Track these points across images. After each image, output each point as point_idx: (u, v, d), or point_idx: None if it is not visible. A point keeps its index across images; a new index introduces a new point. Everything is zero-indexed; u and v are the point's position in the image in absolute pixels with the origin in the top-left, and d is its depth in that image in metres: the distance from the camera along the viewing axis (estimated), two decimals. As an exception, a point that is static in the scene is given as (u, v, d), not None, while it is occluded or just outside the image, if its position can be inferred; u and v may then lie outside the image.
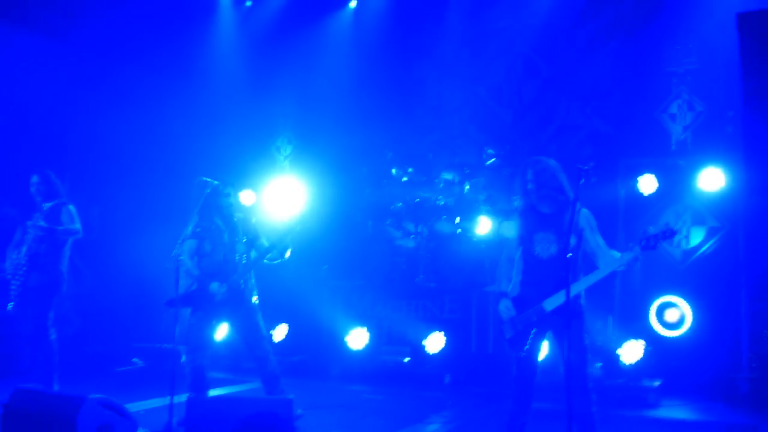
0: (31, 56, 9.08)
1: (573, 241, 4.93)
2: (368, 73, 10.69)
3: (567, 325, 4.73)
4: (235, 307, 6.09)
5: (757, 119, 7.44)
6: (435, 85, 10.78)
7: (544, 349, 6.65)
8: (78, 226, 6.90)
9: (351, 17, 11.13)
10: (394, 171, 9.78)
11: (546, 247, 5.04)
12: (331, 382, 8.25)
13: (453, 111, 10.72)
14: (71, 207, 6.94)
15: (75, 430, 4.81)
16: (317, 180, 9.92)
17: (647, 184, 8.44)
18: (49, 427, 4.79)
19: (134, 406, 6.37)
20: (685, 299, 8.16)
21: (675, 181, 8.56)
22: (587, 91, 9.71)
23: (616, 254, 5.00)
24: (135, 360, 9.01)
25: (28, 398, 5.12)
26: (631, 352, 7.51)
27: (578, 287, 4.95)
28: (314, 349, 8.82)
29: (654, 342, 7.82)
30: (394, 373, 8.38)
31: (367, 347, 8.57)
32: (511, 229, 5.29)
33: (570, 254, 4.75)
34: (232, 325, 6.21)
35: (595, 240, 5.07)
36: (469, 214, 9.16)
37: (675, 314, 8.14)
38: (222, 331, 8.15)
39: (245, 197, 10.12)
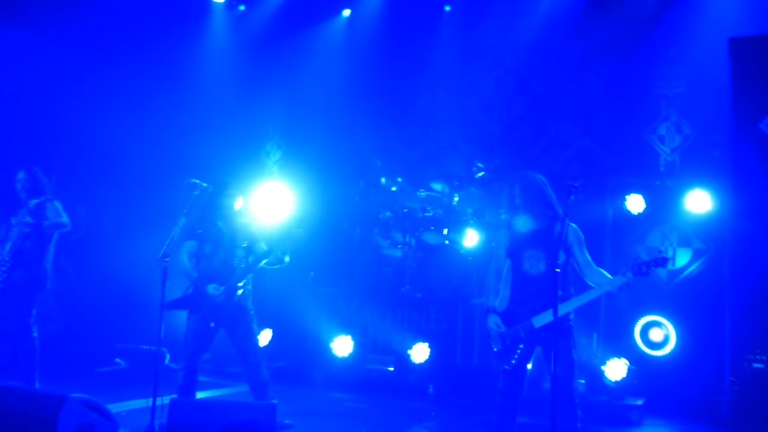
0: (21, 53, 9.02)
1: (562, 257, 4.97)
2: (360, 81, 10.71)
3: (555, 341, 4.75)
4: (231, 311, 6.04)
5: (747, 143, 7.52)
6: (426, 96, 10.81)
7: (528, 364, 6.68)
8: (65, 219, 6.84)
9: (344, 26, 11.15)
10: (383, 180, 9.77)
11: (535, 263, 5.06)
12: (314, 389, 8.21)
13: (443, 122, 10.76)
14: (57, 203, 6.88)
15: (55, 429, 4.75)
16: (306, 186, 9.89)
17: (635, 203, 8.50)
18: (29, 425, 4.72)
19: (115, 407, 6.29)
20: (669, 319, 8.21)
21: (662, 202, 8.62)
22: (576, 109, 9.79)
23: (605, 272, 5.03)
24: (117, 360, 8.92)
25: (8, 396, 5.04)
26: (616, 369, 7.53)
27: (568, 307, 4.98)
28: (298, 355, 8.77)
29: (638, 361, 7.86)
30: (378, 381, 8.36)
31: (352, 355, 8.54)
32: (499, 244, 5.29)
33: (558, 270, 4.77)
34: (227, 329, 6.14)
35: (583, 256, 5.10)
36: (457, 226, 9.17)
37: (659, 334, 8.18)
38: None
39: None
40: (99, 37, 9.73)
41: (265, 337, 8.91)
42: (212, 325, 6.02)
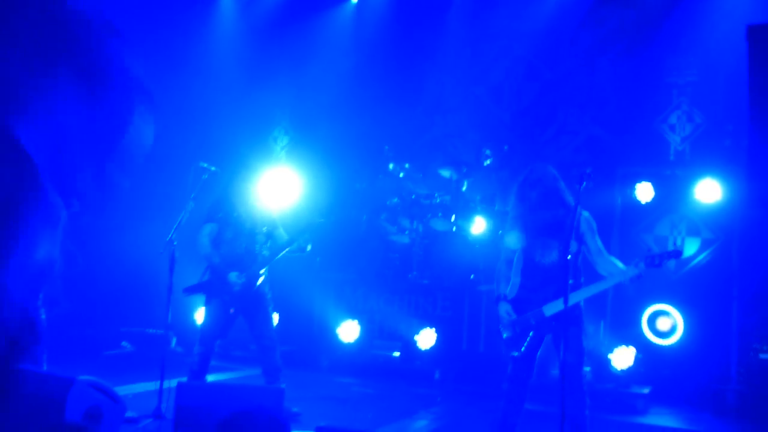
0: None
1: (574, 246, 4.94)
2: (368, 67, 10.66)
3: (565, 330, 4.73)
4: (251, 297, 6.01)
5: (762, 132, 7.45)
6: (435, 83, 10.75)
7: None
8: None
9: (353, 11, 11.09)
10: (391, 166, 9.74)
11: (547, 253, 5.04)
12: (320, 374, 8.23)
13: (452, 109, 10.69)
14: None
15: (63, 411, 4.77)
16: (313, 171, 9.87)
17: (644, 192, 8.46)
18: (37, 406, 4.73)
19: (122, 390, 6.31)
20: (677, 308, 8.18)
21: (672, 191, 8.58)
22: (586, 97, 9.72)
23: (617, 262, 5.00)
24: (124, 344, 8.95)
25: (17, 377, 5.06)
26: (622, 358, 7.53)
27: (579, 296, 4.95)
28: (305, 340, 8.80)
29: (645, 349, 7.85)
30: (384, 367, 8.37)
31: (358, 340, 8.55)
32: (511, 235, 5.27)
33: (570, 257, 4.75)
34: (245, 315, 6.09)
35: (595, 244, 5.07)
36: (465, 213, 9.15)
37: (667, 323, 8.16)
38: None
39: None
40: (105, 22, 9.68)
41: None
42: (232, 311, 5.99)
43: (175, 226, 5.90)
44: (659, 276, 8.46)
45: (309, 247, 6.11)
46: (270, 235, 6.18)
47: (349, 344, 8.54)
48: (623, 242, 8.53)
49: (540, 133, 10.04)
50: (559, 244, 4.97)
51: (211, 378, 7.07)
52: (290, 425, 4.84)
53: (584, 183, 4.77)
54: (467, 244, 9.04)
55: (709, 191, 8.29)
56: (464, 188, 9.45)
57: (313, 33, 10.96)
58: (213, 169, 6.30)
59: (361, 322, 8.64)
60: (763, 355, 7.34)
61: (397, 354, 8.43)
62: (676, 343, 8.11)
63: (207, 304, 6.03)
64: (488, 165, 9.59)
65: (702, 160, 8.74)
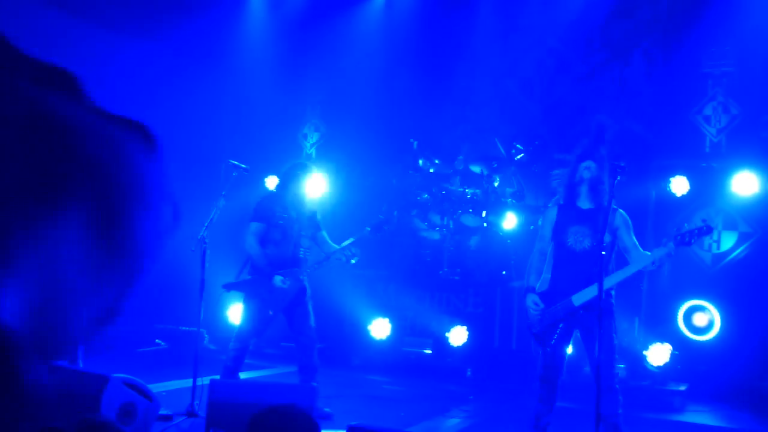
0: (53, 35, 9.07)
1: (608, 238, 4.91)
2: (398, 62, 10.61)
3: (597, 321, 4.67)
4: (292, 299, 6.00)
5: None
6: (465, 77, 10.66)
7: (569, 348, 6.60)
8: None
9: (382, 6, 11.04)
10: (421, 162, 9.70)
11: (580, 239, 5.03)
12: (352, 372, 8.23)
13: (482, 104, 10.60)
14: None
15: (99, 408, 4.82)
16: (343, 168, 9.87)
17: (679, 185, 8.32)
18: (73, 403, 4.79)
19: (156, 387, 6.35)
20: (714, 304, 8.04)
21: (707, 184, 8.43)
22: (619, 89, 9.57)
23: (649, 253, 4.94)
24: (158, 341, 9.02)
25: (53, 374, 5.13)
26: (658, 354, 7.41)
27: (609, 282, 4.89)
28: (336, 337, 8.79)
29: (681, 346, 7.72)
30: (415, 364, 8.35)
31: (390, 338, 8.53)
32: (546, 222, 5.24)
33: (604, 252, 4.70)
34: (284, 311, 6.10)
35: (630, 240, 5.04)
36: (496, 208, 9.08)
37: (703, 318, 8.03)
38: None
39: (271, 183, 10.12)
40: (137, 21, 9.76)
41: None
42: (271, 313, 6.00)
43: (206, 224, 5.92)
44: (695, 271, 8.34)
45: (354, 260, 6.12)
46: (314, 239, 6.17)
47: (380, 341, 8.52)
48: (658, 237, 8.37)
49: (571, 127, 9.92)
50: (592, 232, 4.95)
51: (243, 376, 7.11)
52: (321, 423, 4.84)
53: (618, 177, 4.77)
54: (499, 239, 8.97)
55: (746, 184, 8.13)
56: (496, 183, 9.38)
57: (342, 28, 10.93)
58: (243, 166, 6.32)
59: (392, 320, 8.61)
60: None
61: (428, 351, 8.39)
62: (713, 339, 7.98)
63: (246, 302, 6.04)
64: (520, 159, 9.50)
65: (738, 152, 8.57)
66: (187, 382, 5.78)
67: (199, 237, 5.88)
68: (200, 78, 10.04)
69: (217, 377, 5.85)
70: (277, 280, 5.89)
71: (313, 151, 11.16)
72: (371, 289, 8.94)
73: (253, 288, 5.97)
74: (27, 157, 0.64)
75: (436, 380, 7.93)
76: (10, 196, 0.62)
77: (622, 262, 5.13)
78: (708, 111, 8.98)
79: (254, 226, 6.01)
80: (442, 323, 8.37)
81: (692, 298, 8.13)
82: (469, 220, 9.13)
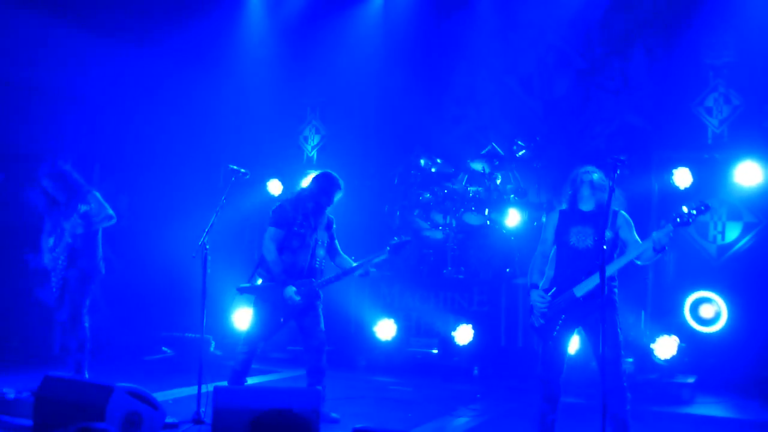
0: (53, 43, 9.07)
1: (609, 234, 4.92)
2: (397, 62, 10.58)
3: (599, 319, 4.65)
4: (303, 306, 5.97)
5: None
6: (465, 75, 10.63)
7: (576, 344, 6.58)
8: (110, 211, 6.79)
9: (381, 5, 11.02)
10: (422, 162, 9.68)
11: (582, 239, 5.06)
12: (358, 373, 8.21)
13: (483, 102, 10.58)
14: (96, 193, 6.81)
15: (103, 418, 4.82)
16: (345, 170, 9.83)
17: (682, 177, 8.29)
18: (78, 414, 4.79)
19: (163, 395, 6.35)
20: (720, 295, 8.00)
21: (710, 175, 8.41)
22: (620, 83, 9.54)
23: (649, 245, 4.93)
24: (164, 349, 9.02)
25: (57, 386, 5.13)
26: (665, 347, 7.38)
27: (611, 269, 4.89)
28: (342, 339, 8.75)
29: (688, 338, 7.70)
30: (422, 364, 8.34)
31: (395, 338, 8.52)
32: (548, 226, 5.26)
33: (605, 246, 4.70)
34: (295, 317, 6.07)
35: (632, 236, 5.06)
36: (499, 205, 9.06)
37: (710, 310, 7.99)
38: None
39: (273, 187, 10.11)
40: (136, 25, 9.76)
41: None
42: (282, 320, 5.98)
43: (207, 229, 5.90)
44: (700, 262, 8.31)
45: (373, 270, 6.12)
46: (328, 249, 6.15)
47: (386, 342, 8.51)
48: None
49: (573, 123, 9.89)
50: (595, 231, 4.97)
51: (250, 380, 7.10)
52: (320, 425, 4.82)
53: (618, 170, 4.79)
54: (502, 237, 8.95)
55: (749, 174, 8.11)
56: (498, 181, 9.36)
57: (341, 28, 10.91)
58: (243, 171, 6.30)
59: (397, 320, 8.60)
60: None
61: (434, 351, 8.38)
62: (720, 331, 7.94)
63: (257, 306, 5.99)
64: (521, 156, 9.48)
65: (741, 142, 8.54)
66: (194, 389, 5.77)
67: (199, 243, 5.85)
68: (198, 82, 10.03)
69: (224, 383, 5.84)
70: (290, 290, 5.82)
71: (314, 153, 11.15)
72: (376, 291, 8.93)
73: (267, 293, 5.95)
74: None
75: (443, 380, 7.91)
76: None
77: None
78: (710, 102, 8.95)
79: (273, 232, 5.94)
80: (448, 322, 8.35)
81: (698, 290, 8.10)
82: (471, 219, 9.11)
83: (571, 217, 5.14)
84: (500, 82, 10.43)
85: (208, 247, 5.83)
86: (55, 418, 4.83)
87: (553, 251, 5.19)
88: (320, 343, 6.02)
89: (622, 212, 5.14)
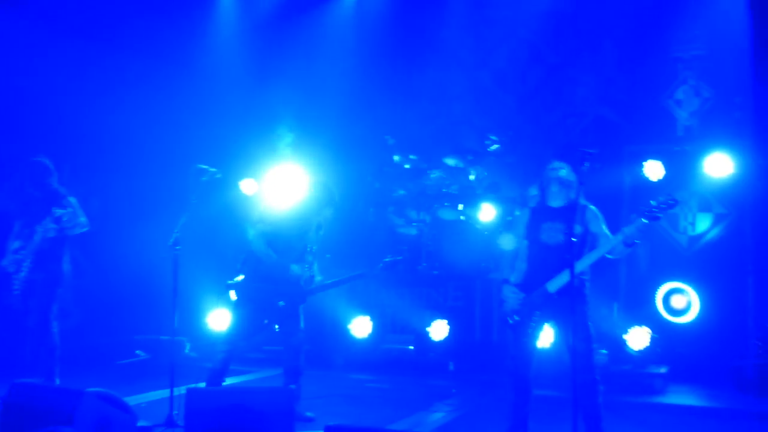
0: (24, 43, 8.95)
1: (579, 229, 4.96)
2: (370, 59, 10.56)
3: (569, 313, 4.70)
4: (288, 310, 5.96)
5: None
6: (438, 70, 10.64)
7: (549, 337, 6.62)
8: (84, 219, 6.73)
9: (353, 2, 10.99)
10: (396, 158, 9.67)
11: (553, 235, 5.11)
12: (334, 371, 8.20)
13: (456, 97, 10.60)
14: (72, 199, 6.74)
15: (72, 424, 4.76)
16: (319, 167, 9.80)
17: (653, 170, 8.33)
18: (47, 420, 4.73)
19: (135, 399, 6.31)
20: (691, 286, 8.08)
21: (681, 168, 8.46)
22: (592, 77, 9.60)
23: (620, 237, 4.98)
24: (138, 352, 8.94)
25: (26, 392, 5.06)
26: (638, 338, 7.44)
27: (582, 264, 4.94)
28: (317, 337, 8.72)
29: (660, 328, 7.77)
30: (398, 361, 8.34)
31: (371, 336, 8.51)
32: (519, 223, 5.32)
33: (575, 239, 4.75)
34: (279, 319, 6.04)
35: (601, 229, 5.11)
36: (473, 200, 9.08)
37: (682, 301, 8.07)
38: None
39: (247, 186, 10.04)
40: (105, 25, 9.64)
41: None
42: (266, 322, 5.95)
43: (176, 230, 5.84)
44: (672, 253, 8.37)
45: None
46: (316, 255, 6.12)
47: (361, 340, 8.49)
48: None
49: (546, 117, 9.93)
50: (565, 227, 5.01)
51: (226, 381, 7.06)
52: (294, 423, 4.81)
53: (586, 163, 4.80)
54: (476, 232, 8.96)
55: (719, 165, 8.15)
56: (472, 176, 9.37)
57: (314, 26, 10.87)
58: (213, 170, 6.25)
59: (372, 317, 8.59)
60: (782, 327, 7.25)
61: (410, 347, 8.38)
62: (692, 321, 8.02)
63: (240, 305, 5.95)
64: (495, 151, 9.49)
65: (711, 134, 8.61)
66: (168, 392, 5.72)
67: (169, 244, 5.80)
68: (170, 82, 9.93)
69: (202, 385, 5.81)
70: (280, 303, 5.86)
71: (287, 151, 11.09)
72: (351, 288, 8.89)
73: (250, 293, 5.91)
74: None
75: (418, 375, 7.93)
76: None
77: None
78: (680, 95, 9.02)
79: (261, 228, 5.96)
80: (423, 318, 8.35)
81: (670, 281, 8.17)
82: (446, 214, 9.12)
83: (541, 214, 5.20)
84: (473, 77, 10.45)
85: (178, 247, 5.78)
86: (23, 425, 4.77)
87: (524, 245, 5.24)
88: (300, 342, 6.03)
89: (591, 206, 5.17)
